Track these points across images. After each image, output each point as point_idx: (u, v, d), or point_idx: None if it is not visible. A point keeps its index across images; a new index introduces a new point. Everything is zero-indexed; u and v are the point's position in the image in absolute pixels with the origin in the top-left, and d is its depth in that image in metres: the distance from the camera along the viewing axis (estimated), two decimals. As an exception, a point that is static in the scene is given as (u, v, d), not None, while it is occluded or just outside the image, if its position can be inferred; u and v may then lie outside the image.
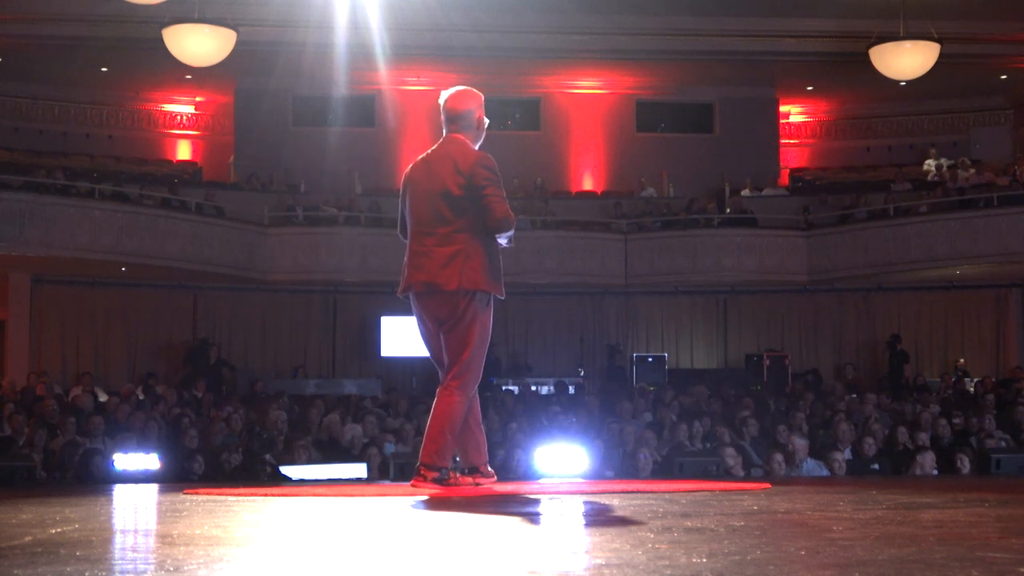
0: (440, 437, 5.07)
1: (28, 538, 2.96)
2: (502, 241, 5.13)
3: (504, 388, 16.00)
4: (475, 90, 5.37)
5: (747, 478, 8.70)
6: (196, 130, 22.08)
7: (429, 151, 5.31)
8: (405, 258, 5.19)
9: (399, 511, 4.12)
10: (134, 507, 4.69)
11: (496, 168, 5.13)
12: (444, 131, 5.31)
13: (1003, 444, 10.34)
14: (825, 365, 18.85)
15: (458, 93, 5.34)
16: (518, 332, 19.26)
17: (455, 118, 5.28)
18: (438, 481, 5.04)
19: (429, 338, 5.27)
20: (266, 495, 5.11)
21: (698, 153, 21.33)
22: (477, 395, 5.27)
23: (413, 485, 5.08)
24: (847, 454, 9.68)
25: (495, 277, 5.10)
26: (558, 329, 19.28)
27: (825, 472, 9.19)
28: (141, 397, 13.50)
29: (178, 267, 16.90)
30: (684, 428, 10.67)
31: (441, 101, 5.31)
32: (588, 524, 3.45)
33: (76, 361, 17.56)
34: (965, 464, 9.18)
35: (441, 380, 5.21)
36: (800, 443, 9.49)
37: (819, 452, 9.65)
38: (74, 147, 20.81)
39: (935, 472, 9.54)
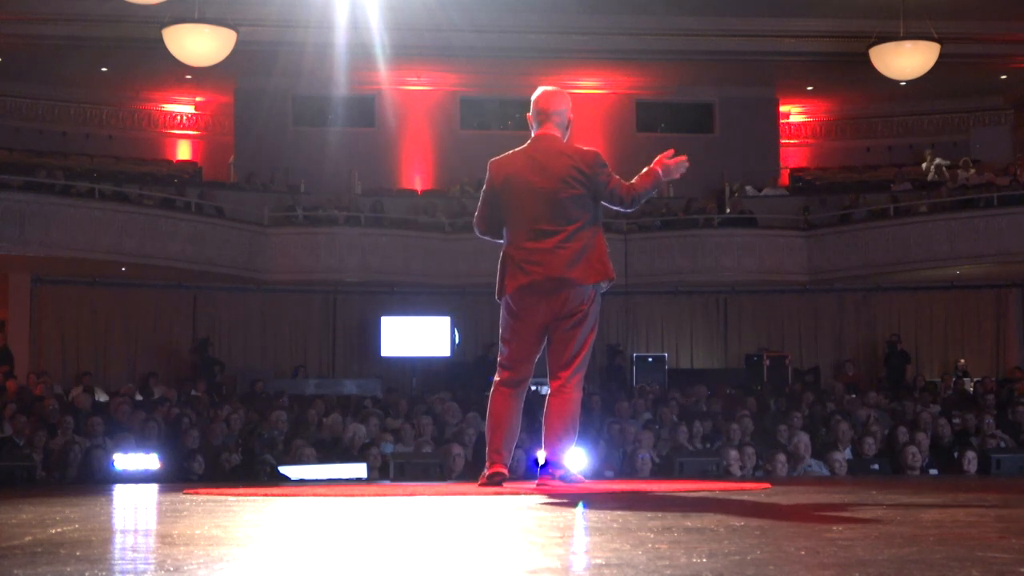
0: (567, 436, 5.22)
1: (28, 538, 2.96)
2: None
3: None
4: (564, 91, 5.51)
5: (747, 478, 8.71)
6: (196, 130, 22.08)
7: (526, 148, 5.30)
8: (511, 256, 5.19)
9: (399, 511, 4.12)
10: (134, 507, 4.69)
11: (604, 159, 5.30)
12: (535, 128, 5.33)
13: (1003, 444, 10.33)
14: (825, 365, 18.85)
15: (552, 92, 5.40)
16: (518, 332, 19.23)
17: (551, 115, 5.31)
18: (564, 479, 5.17)
19: (529, 336, 5.25)
20: (266, 495, 5.11)
21: (698, 153, 21.15)
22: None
23: (540, 484, 5.17)
24: (847, 454, 9.68)
25: (610, 261, 5.31)
26: (558, 329, 19.25)
27: (825, 472, 9.19)
28: (140, 398, 13.50)
29: (178, 267, 16.91)
30: (684, 428, 10.68)
31: (535, 97, 5.37)
32: (588, 524, 3.45)
33: (76, 361, 17.56)
34: (973, 463, 9.18)
35: (511, 382, 5.29)
36: (802, 443, 9.50)
37: (819, 452, 9.65)
38: (74, 147, 20.81)
39: (933, 471, 9.55)
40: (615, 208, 5.32)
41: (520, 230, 5.18)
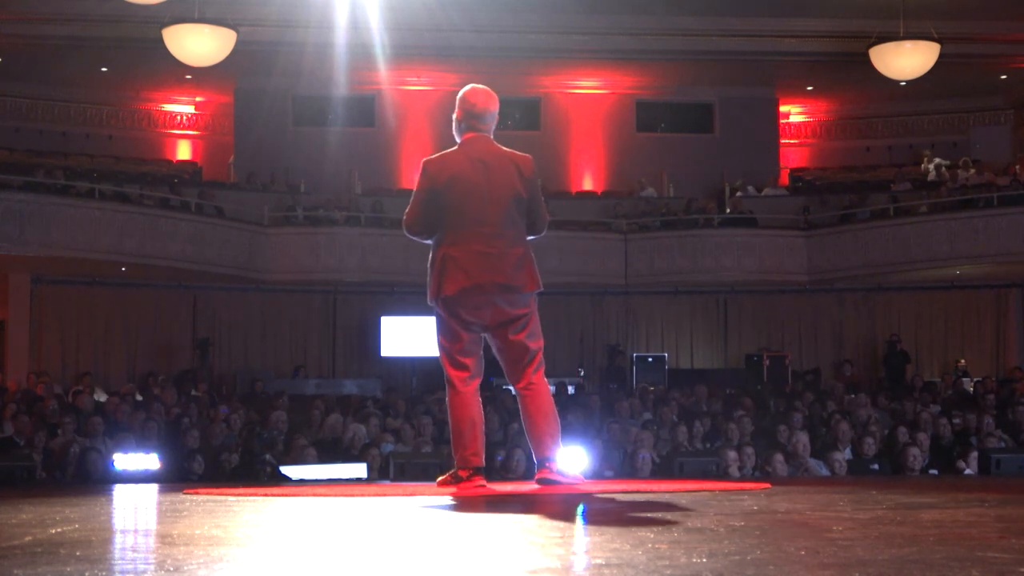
0: (556, 431, 5.17)
1: (28, 538, 2.96)
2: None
3: (504, 388, 15.98)
4: None
5: (747, 478, 8.70)
6: (196, 130, 22.09)
7: (464, 149, 5.17)
8: (452, 257, 5.05)
9: (399, 511, 4.12)
10: (134, 507, 4.69)
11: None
12: (465, 130, 5.21)
13: (1003, 444, 10.33)
14: (825, 365, 18.85)
15: (490, 92, 5.29)
16: (518, 332, 19.24)
17: (488, 117, 5.23)
18: (562, 475, 5.15)
19: (475, 336, 5.18)
20: (266, 495, 5.11)
21: (698, 153, 21.33)
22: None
23: (540, 479, 5.09)
24: (847, 454, 9.68)
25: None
26: (558, 329, 19.27)
27: (825, 472, 9.20)
28: (140, 398, 13.49)
29: (178, 267, 16.91)
30: (684, 428, 10.68)
31: (469, 98, 5.22)
32: (588, 524, 3.45)
33: (76, 361, 17.56)
34: (973, 463, 9.18)
35: (470, 380, 5.19)
36: (801, 443, 9.50)
37: (819, 452, 9.66)
38: (74, 147, 20.81)
39: (933, 471, 9.55)
40: (537, 230, 5.23)
41: (464, 232, 5.06)
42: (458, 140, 5.26)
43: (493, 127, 5.25)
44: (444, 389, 5.35)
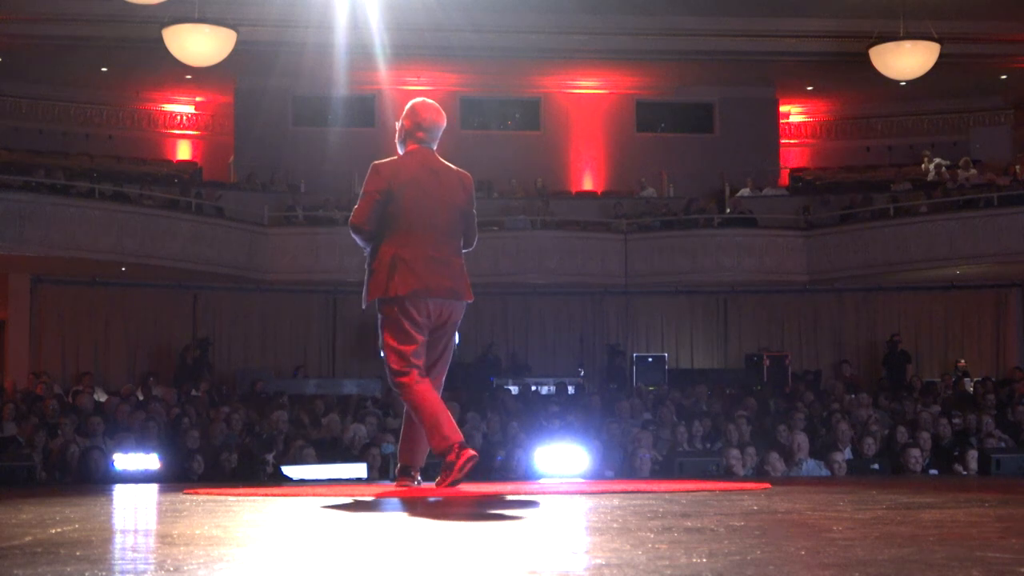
0: None
1: (28, 538, 2.96)
2: None
3: (504, 388, 16.00)
4: None
5: (747, 478, 8.71)
6: (196, 130, 22.09)
7: (416, 158, 5.28)
8: (402, 258, 5.11)
9: (399, 511, 4.12)
10: (134, 507, 4.69)
11: None
12: (411, 139, 5.33)
13: (1003, 444, 10.34)
14: (825, 365, 18.85)
15: (438, 109, 5.43)
16: (518, 332, 19.27)
17: (436, 132, 5.38)
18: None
19: (423, 336, 5.22)
20: (266, 495, 5.11)
21: (698, 153, 21.34)
22: None
23: (457, 481, 5.03)
24: (847, 454, 9.69)
25: None
26: (558, 329, 19.29)
27: (825, 472, 9.20)
28: (141, 398, 13.50)
29: (178, 267, 16.91)
30: (684, 428, 10.68)
31: (421, 112, 5.34)
32: (588, 524, 3.45)
33: (76, 361, 17.55)
34: (973, 463, 9.18)
35: (422, 375, 5.18)
36: (802, 443, 9.50)
37: (819, 452, 9.66)
38: (74, 147, 20.81)
39: (933, 471, 9.55)
40: (469, 244, 5.37)
41: (414, 234, 5.15)
42: (400, 148, 5.40)
43: (437, 142, 5.39)
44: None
